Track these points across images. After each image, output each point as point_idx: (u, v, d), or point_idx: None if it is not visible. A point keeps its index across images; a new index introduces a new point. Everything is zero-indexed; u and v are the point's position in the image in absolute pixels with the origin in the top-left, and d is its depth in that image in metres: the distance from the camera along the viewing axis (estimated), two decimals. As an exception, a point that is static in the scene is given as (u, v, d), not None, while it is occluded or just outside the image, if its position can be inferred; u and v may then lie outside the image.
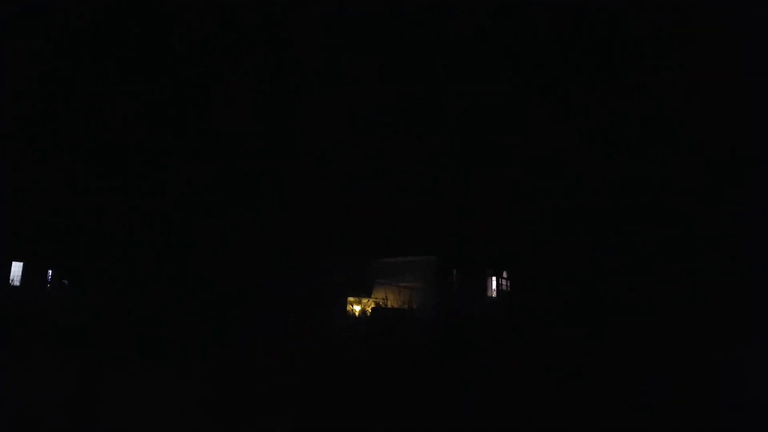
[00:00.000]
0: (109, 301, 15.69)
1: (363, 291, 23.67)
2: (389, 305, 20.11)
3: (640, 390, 10.45)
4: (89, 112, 19.71)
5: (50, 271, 22.68)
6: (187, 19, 20.18)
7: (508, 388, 10.11)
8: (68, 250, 19.83)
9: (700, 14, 17.95)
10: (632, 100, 18.87)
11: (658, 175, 18.43)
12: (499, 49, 20.37)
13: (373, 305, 22.09)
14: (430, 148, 21.16)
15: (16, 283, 22.76)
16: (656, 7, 18.80)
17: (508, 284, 22.62)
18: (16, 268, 23.15)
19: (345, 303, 22.60)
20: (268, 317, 14.24)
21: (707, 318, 15.07)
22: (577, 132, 19.19)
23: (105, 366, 10.78)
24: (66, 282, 21.43)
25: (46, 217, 20.22)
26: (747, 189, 17.26)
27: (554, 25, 19.70)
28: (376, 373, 10.82)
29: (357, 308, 22.61)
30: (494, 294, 23.07)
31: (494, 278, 23.19)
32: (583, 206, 18.59)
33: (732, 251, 16.94)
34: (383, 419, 8.95)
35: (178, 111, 20.41)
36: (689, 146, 18.35)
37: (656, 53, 18.98)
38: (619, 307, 16.54)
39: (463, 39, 20.52)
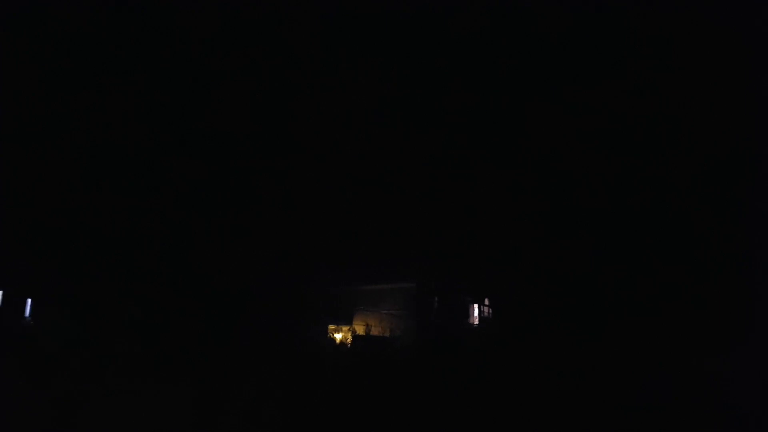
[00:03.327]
0: (108, 302, 15.70)
1: (343, 319, 23.41)
2: (372, 333, 20.39)
3: (639, 390, 10.43)
4: (87, 112, 19.70)
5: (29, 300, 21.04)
6: (187, 19, 20.17)
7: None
8: (66, 252, 19.70)
9: (700, 14, 17.93)
10: (632, 100, 18.85)
11: (658, 175, 18.40)
12: (499, 49, 20.36)
13: (357, 332, 22.09)
14: (413, 171, 21.08)
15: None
16: (656, 7, 18.78)
17: (490, 311, 22.52)
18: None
19: (325, 329, 22.52)
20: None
21: (707, 318, 15.06)
22: (577, 132, 19.17)
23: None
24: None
25: (46, 217, 20.15)
26: (747, 189, 17.24)
27: (554, 25, 19.69)
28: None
29: (338, 336, 22.49)
30: (476, 321, 22.94)
31: (476, 305, 23.04)
32: (580, 207, 18.58)
33: (732, 251, 16.91)
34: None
35: (178, 111, 20.41)
36: (689, 146, 18.32)
37: (656, 53, 18.96)
38: (618, 308, 16.52)
39: (463, 39, 20.50)
